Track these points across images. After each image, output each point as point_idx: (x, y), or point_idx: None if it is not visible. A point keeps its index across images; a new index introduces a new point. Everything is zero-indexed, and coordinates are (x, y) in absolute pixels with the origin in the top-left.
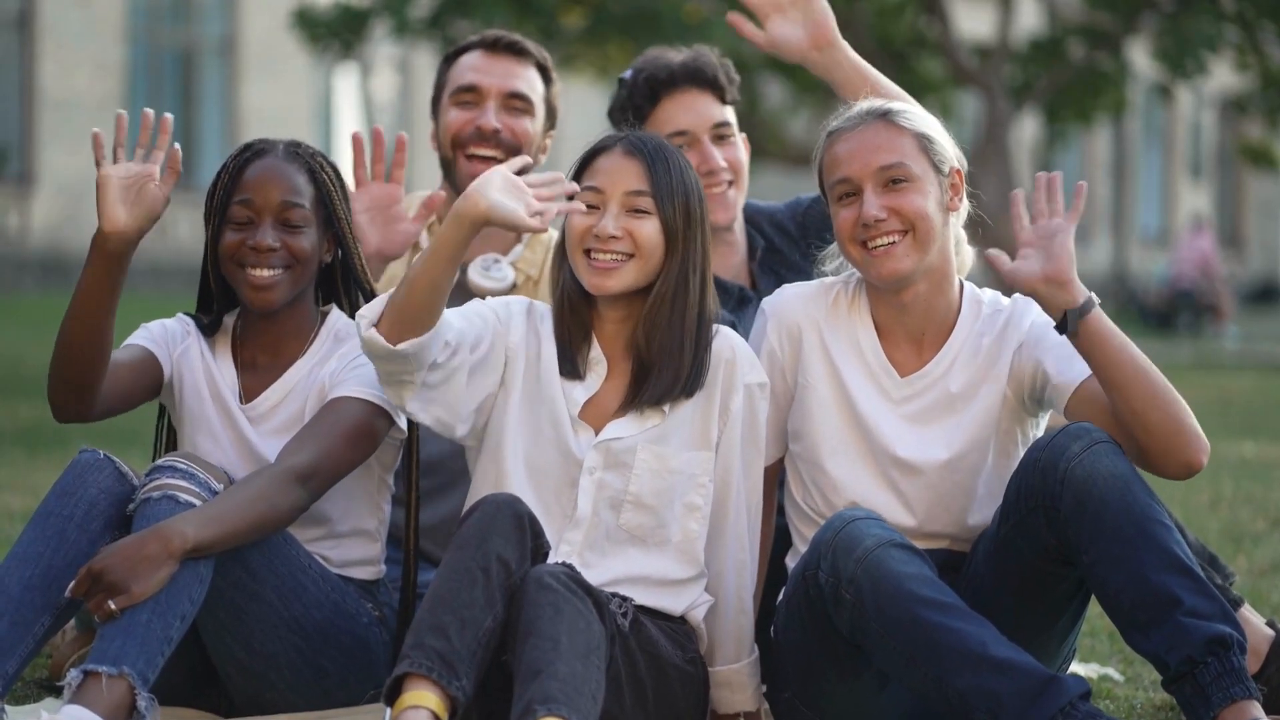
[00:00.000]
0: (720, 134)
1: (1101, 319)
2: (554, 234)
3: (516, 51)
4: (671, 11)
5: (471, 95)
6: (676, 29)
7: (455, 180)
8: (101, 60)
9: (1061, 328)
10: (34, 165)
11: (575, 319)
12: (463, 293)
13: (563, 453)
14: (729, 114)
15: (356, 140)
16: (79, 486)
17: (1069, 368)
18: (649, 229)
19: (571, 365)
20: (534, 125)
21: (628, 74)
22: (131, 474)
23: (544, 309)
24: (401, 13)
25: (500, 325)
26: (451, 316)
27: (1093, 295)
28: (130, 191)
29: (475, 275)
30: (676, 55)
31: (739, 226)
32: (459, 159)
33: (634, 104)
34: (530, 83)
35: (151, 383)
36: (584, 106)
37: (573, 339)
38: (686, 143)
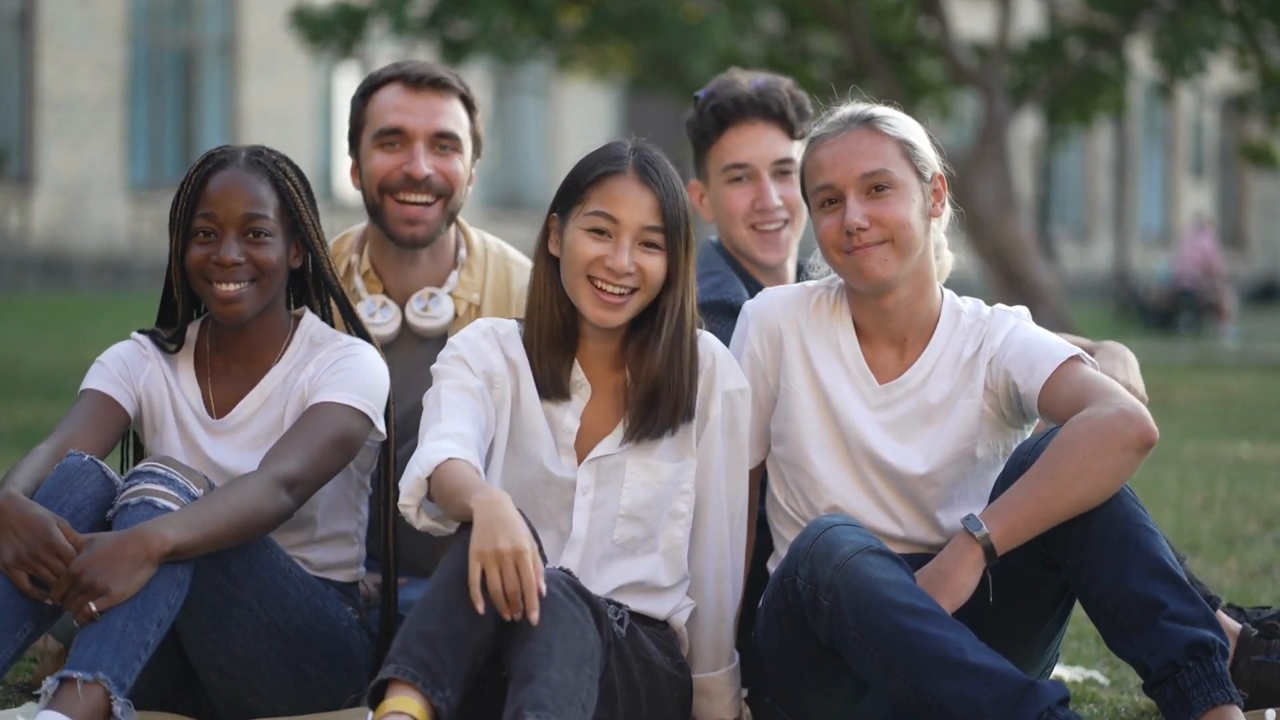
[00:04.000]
0: (782, 169)
1: (1004, 535)
2: (491, 251)
3: (439, 87)
4: (671, 11)
5: (397, 138)
6: (675, 29)
7: (383, 222)
8: (102, 60)
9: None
10: (34, 165)
11: (564, 343)
12: (406, 335)
13: (553, 478)
14: (794, 150)
15: None
16: (64, 491)
17: (1031, 373)
18: (656, 264)
19: (558, 386)
20: (463, 163)
21: (701, 94)
22: (117, 478)
23: (506, 329)
24: (400, 12)
25: (487, 392)
26: (468, 431)
27: (980, 529)
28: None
29: (413, 317)
30: (748, 83)
31: (790, 265)
32: (387, 202)
33: (702, 129)
34: (456, 119)
35: (119, 427)
36: (583, 107)
37: (558, 363)
38: (746, 175)
